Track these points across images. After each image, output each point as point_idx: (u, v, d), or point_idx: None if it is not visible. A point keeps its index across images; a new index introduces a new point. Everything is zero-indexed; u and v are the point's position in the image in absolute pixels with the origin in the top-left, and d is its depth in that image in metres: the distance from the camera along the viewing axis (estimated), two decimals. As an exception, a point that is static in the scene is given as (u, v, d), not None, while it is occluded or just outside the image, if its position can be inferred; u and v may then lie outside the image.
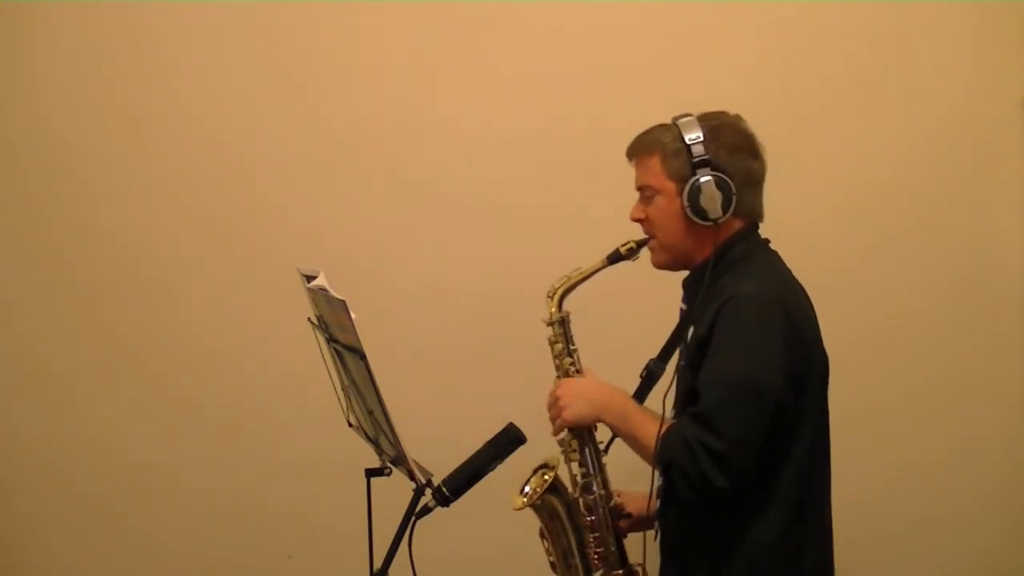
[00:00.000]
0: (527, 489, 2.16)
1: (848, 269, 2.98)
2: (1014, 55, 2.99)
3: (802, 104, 2.95)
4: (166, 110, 3.03)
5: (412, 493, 1.95)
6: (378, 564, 1.93)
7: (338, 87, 3.02)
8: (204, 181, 3.04)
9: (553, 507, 2.15)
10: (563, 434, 2.15)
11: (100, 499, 3.10)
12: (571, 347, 2.20)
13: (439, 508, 1.94)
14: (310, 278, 2.05)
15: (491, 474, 1.98)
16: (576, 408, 2.08)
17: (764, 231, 2.13)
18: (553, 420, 2.11)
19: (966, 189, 3.03)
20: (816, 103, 2.97)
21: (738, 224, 2.06)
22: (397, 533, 1.92)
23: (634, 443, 2.04)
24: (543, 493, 2.13)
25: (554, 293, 2.19)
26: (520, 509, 2.15)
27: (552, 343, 2.20)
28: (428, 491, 1.95)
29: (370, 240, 3.03)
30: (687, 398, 1.99)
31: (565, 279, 2.18)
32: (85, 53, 3.02)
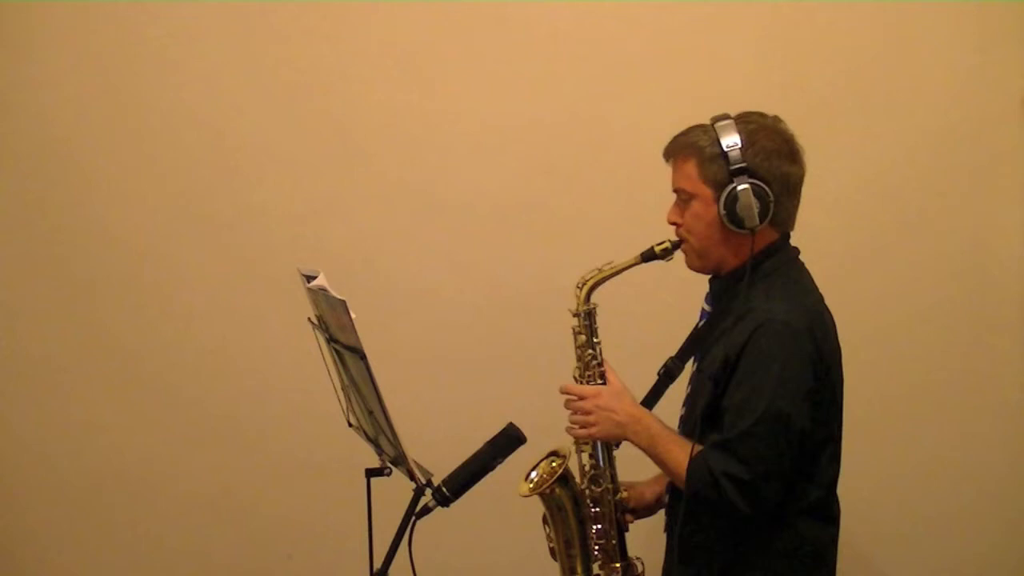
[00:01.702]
0: (534, 475, 2.16)
1: (848, 269, 2.97)
2: (1014, 55, 2.98)
3: (802, 104, 2.94)
4: (166, 110, 3.02)
5: (412, 493, 1.95)
6: (378, 564, 1.93)
7: (338, 87, 3.01)
8: (204, 181, 3.04)
9: (560, 497, 2.15)
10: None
11: (100, 499, 3.10)
12: (594, 340, 2.16)
13: (439, 508, 1.95)
14: (310, 278, 2.05)
15: (491, 474, 1.98)
16: (604, 427, 2.06)
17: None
18: (578, 427, 2.09)
19: (966, 189, 3.02)
20: (816, 103, 2.96)
21: (772, 235, 2.03)
22: (397, 533, 1.92)
23: (661, 465, 2.05)
24: (552, 483, 2.12)
25: (584, 284, 2.15)
26: (527, 496, 2.14)
27: (576, 333, 2.17)
28: (428, 491, 1.95)
29: (370, 240, 3.03)
30: (708, 412, 1.99)
31: (596, 272, 2.14)
32: (85, 53, 3.02)
